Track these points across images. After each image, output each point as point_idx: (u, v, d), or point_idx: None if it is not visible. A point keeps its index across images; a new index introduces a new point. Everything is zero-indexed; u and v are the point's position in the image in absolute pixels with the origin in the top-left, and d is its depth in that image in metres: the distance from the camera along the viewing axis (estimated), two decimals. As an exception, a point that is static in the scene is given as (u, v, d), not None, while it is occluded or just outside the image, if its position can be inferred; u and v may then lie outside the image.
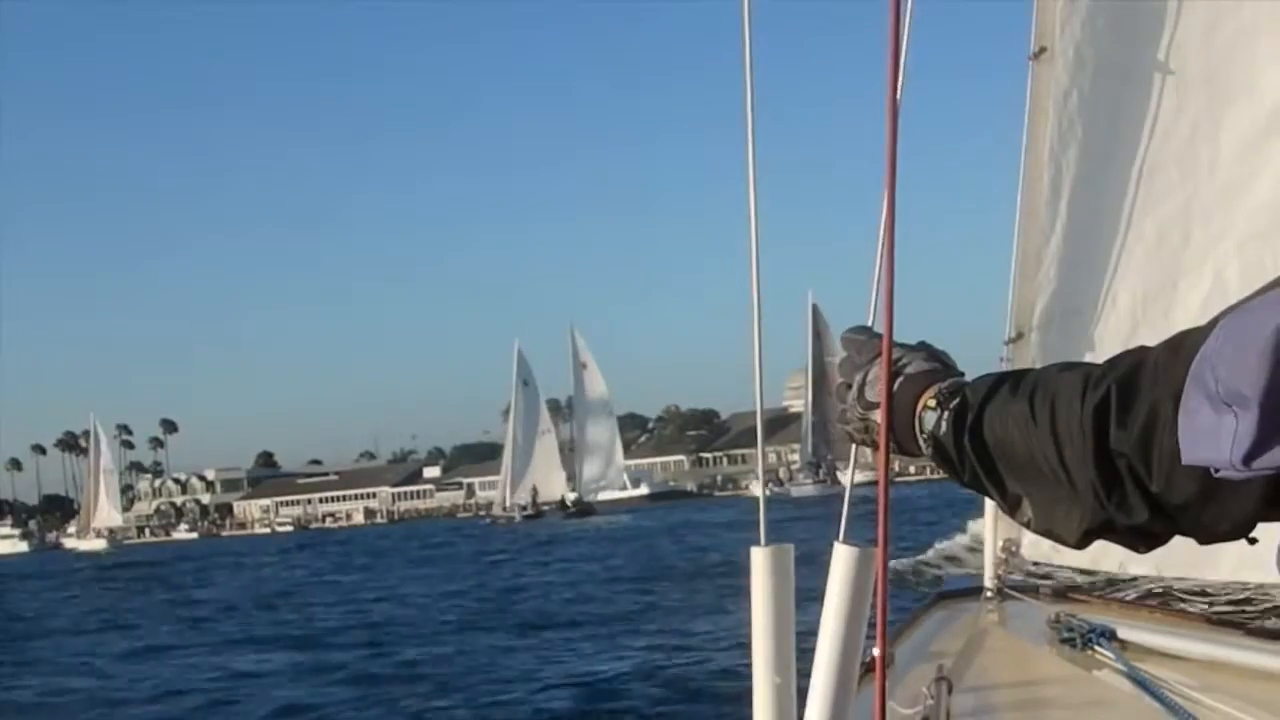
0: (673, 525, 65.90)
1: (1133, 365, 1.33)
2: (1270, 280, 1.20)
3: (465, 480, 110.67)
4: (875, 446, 1.71)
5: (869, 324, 1.81)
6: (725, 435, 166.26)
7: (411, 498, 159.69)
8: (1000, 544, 4.91)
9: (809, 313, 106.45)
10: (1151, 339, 1.35)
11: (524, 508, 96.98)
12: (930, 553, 27.90)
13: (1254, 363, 1.11)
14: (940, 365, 1.67)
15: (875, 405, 1.69)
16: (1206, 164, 4.56)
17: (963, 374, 1.64)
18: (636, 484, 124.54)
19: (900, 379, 1.66)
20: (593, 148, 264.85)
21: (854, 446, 1.81)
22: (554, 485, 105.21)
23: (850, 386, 1.75)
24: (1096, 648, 3.83)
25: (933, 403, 1.59)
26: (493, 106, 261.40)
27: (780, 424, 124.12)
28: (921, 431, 1.60)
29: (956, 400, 1.55)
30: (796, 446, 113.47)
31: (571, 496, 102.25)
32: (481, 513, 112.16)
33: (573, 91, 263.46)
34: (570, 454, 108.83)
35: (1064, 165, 4.86)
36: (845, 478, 1.99)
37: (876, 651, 1.85)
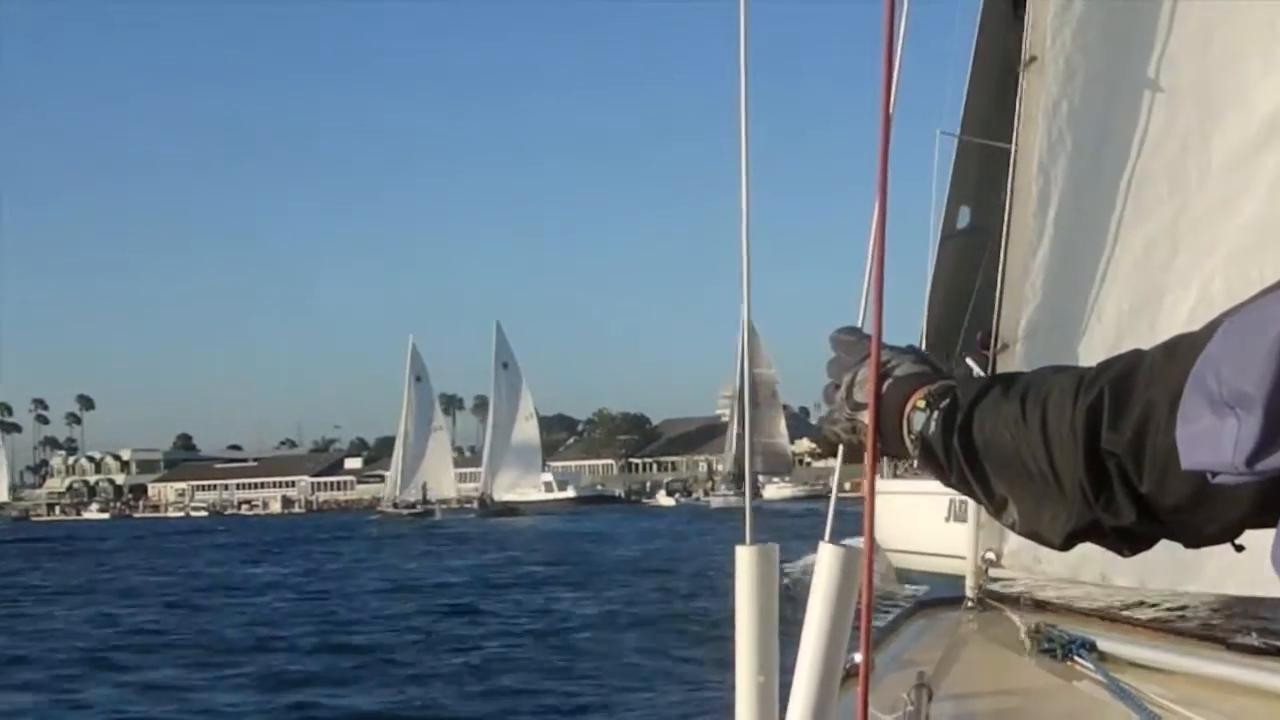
0: (593, 530, 65.31)
1: (1127, 367, 1.33)
2: (1270, 284, 1.20)
3: (387, 473, 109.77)
4: (862, 447, 1.71)
5: (858, 325, 1.80)
6: (656, 441, 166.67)
7: (332, 488, 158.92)
8: (981, 554, 4.91)
9: (744, 320, 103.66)
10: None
11: (412, 505, 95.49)
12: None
13: (1260, 362, 1.10)
14: (929, 368, 1.67)
15: (863, 406, 1.69)
16: (1196, 177, 4.56)
17: (951, 377, 1.64)
18: (564, 486, 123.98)
19: (889, 380, 1.67)
20: (540, 150, 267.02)
21: (839, 448, 1.81)
22: (444, 483, 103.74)
23: (839, 387, 1.75)
24: (1076, 659, 3.83)
25: (922, 404, 1.59)
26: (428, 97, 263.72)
27: (713, 433, 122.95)
28: (910, 432, 1.60)
29: (946, 401, 1.56)
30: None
31: (504, 496, 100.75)
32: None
33: (516, 89, 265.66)
34: (471, 454, 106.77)
35: (1053, 176, 4.85)
36: (831, 480, 1.99)
37: (859, 656, 1.84)
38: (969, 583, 4.95)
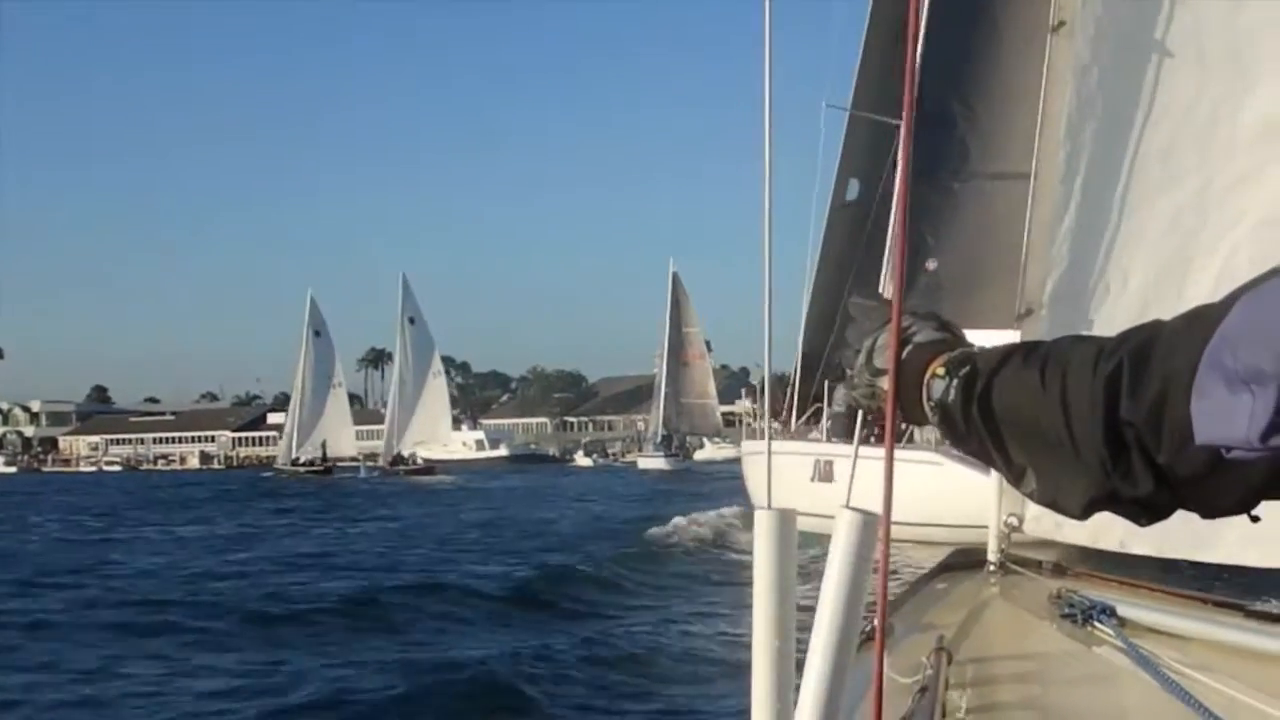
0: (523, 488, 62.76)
1: (1148, 337, 1.33)
2: None
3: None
4: (881, 413, 1.72)
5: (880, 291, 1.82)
6: (592, 400, 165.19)
7: (253, 444, 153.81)
8: (1004, 518, 4.92)
9: (669, 280, 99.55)
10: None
11: (311, 463, 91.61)
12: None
13: (1277, 340, 1.10)
14: (950, 335, 1.68)
15: (883, 372, 1.70)
16: (1225, 146, 4.53)
17: (972, 345, 1.65)
18: (496, 445, 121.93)
19: (909, 347, 1.67)
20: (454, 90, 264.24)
21: (859, 413, 1.82)
22: (343, 441, 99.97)
23: (858, 353, 1.76)
24: (1096, 624, 3.83)
25: (941, 371, 1.59)
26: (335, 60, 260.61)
27: (650, 392, 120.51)
28: (929, 399, 1.60)
29: (966, 369, 1.56)
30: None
31: (422, 454, 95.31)
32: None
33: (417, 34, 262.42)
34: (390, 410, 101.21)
35: (1080, 142, 4.83)
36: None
37: (876, 621, 1.85)
38: (991, 547, 4.96)
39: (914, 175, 17.75)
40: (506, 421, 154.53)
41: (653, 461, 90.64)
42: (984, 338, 1.70)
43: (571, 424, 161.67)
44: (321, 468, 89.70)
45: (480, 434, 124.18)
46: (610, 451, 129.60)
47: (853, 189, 26.05)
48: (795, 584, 1.87)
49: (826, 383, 24.78)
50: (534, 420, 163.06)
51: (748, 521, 25.25)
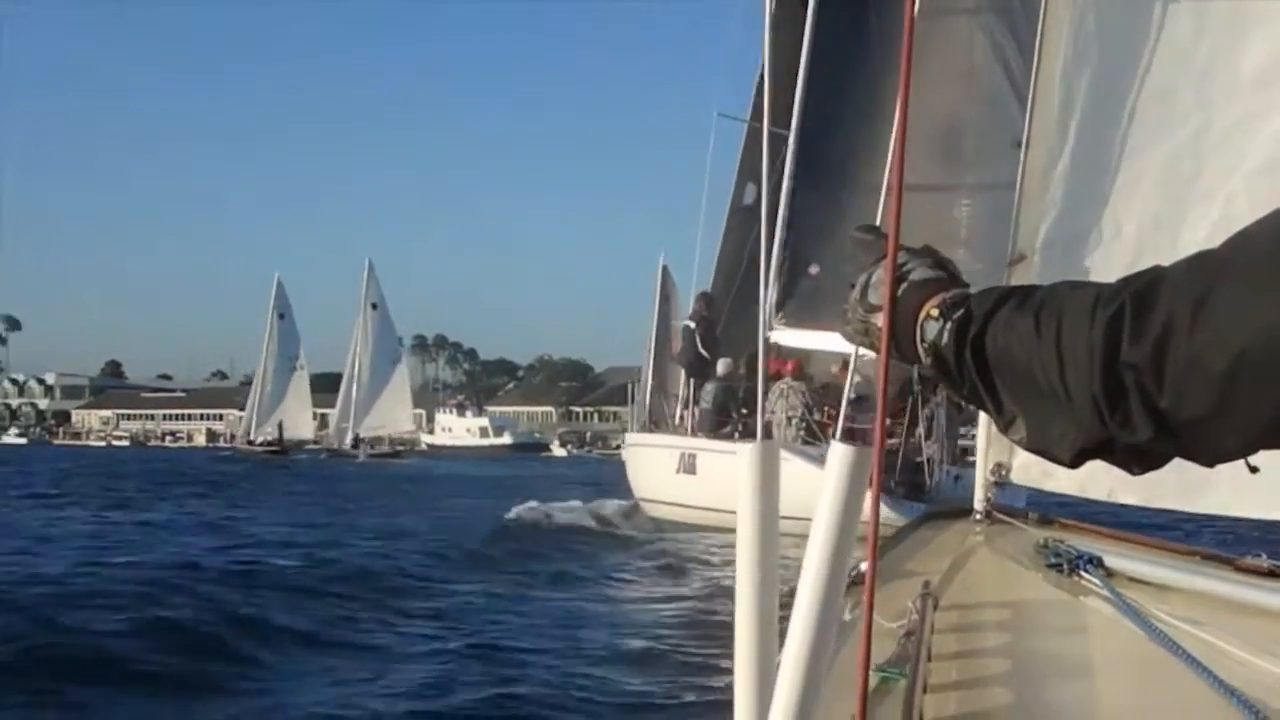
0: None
1: (1150, 281, 1.31)
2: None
3: (319, 410, 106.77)
4: (875, 350, 1.68)
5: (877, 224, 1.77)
6: (599, 390, 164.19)
7: None
8: (990, 466, 4.90)
9: (659, 273, 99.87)
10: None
11: (270, 443, 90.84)
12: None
13: None
14: (945, 274, 1.65)
15: (877, 308, 1.67)
16: (1222, 92, 4.47)
17: (967, 285, 1.62)
18: (500, 432, 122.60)
19: (904, 285, 1.63)
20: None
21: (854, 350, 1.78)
22: (301, 424, 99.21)
23: (853, 287, 1.72)
24: (1083, 574, 3.81)
25: (935, 313, 1.56)
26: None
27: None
28: (922, 341, 1.57)
29: (960, 312, 1.53)
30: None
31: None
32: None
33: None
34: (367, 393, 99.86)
35: (1076, 86, 4.78)
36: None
37: (865, 565, 1.82)
38: (978, 495, 4.95)
39: (803, 185, 18.09)
40: (511, 409, 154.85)
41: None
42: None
43: (577, 413, 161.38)
44: (277, 448, 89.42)
45: (484, 421, 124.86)
46: (584, 443, 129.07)
47: (749, 193, 27.32)
48: (778, 518, 1.84)
49: (693, 380, 25.24)
50: (539, 409, 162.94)
51: (626, 514, 25.20)
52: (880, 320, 1.65)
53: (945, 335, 1.53)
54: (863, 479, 1.76)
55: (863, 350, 1.76)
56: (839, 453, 1.76)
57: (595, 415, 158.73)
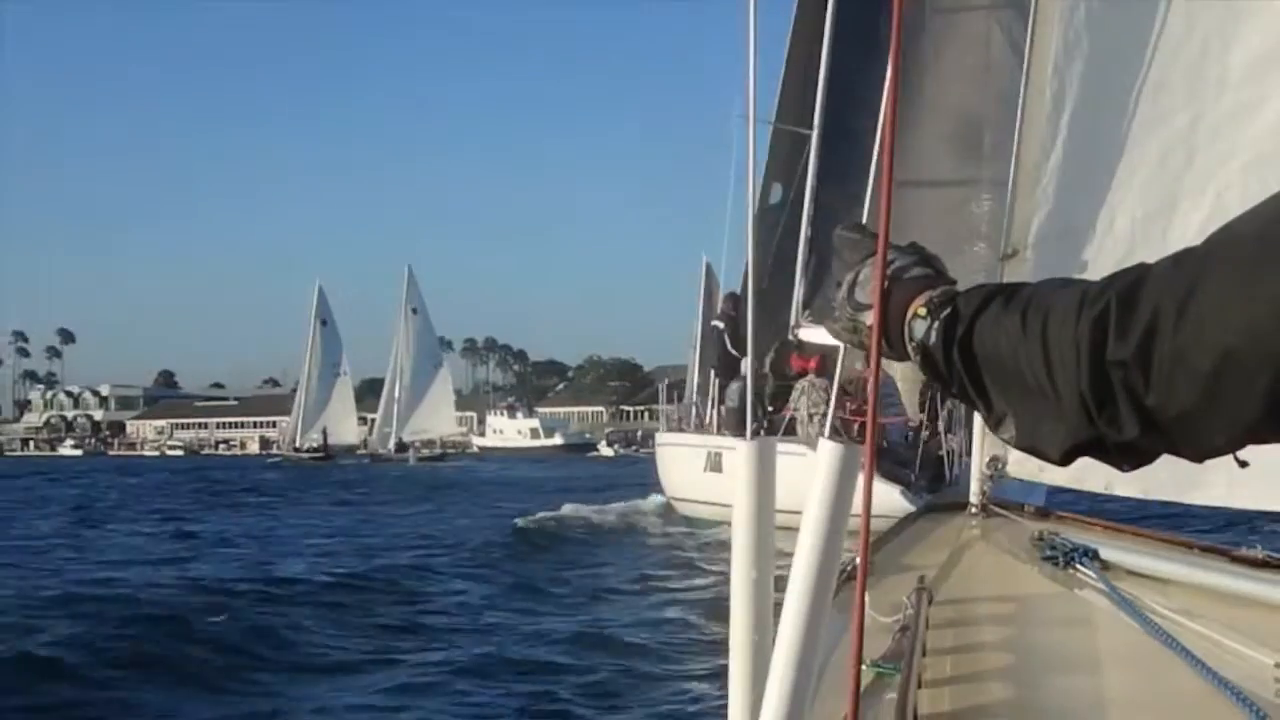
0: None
1: (1136, 277, 1.31)
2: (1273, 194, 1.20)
3: (369, 415, 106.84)
4: (864, 349, 1.68)
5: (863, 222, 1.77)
6: (648, 389, 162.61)
7: None
8: (986, 460, 4.91)
9: (702, 272, 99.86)
10: (1149, 260, 1.33)
11: (315, 450, 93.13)
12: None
13: None
14: (933, 271, 1.64)
15: (865, 307, 1.67)
16: (1215, 84, 4.47)
17: (954, 282, 1.62)
18: (550, 433, 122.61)
19: (892, 283, 1.63)
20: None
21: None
22: (345, 429, 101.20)
23: (840, 285, 1.72)
24: (1078, 567, 3.82)
25: (923, 311, 1.56)
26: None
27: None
28: (911, 340, 1.57)
29: (947, 311, 1.53)
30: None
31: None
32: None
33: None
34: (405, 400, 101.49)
35: (1068, 79, 4.77)
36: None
37: (858, 558, 1.82)
38: (973, 489, 4.95)
39: (825, 184, 18.03)
40: (562, 410, 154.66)
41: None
42: None
43: (627, 412, 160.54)
44: (322, 454, 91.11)
45: (535, 422, 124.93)
46: (631, 443, 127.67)
47: (775, 192, 27.23)
48: (774, 515, 1.85)
49: (718, 380, 25.44)
50: (589, 409, 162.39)
51: (662, 511, 25.56)
52: (868, 318, 1.65)
53: (933, 335, 1.53)
54: (853, 474, 1.76)
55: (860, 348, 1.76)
56: (827, 449, 1.76)
57: (646, 414, 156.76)
